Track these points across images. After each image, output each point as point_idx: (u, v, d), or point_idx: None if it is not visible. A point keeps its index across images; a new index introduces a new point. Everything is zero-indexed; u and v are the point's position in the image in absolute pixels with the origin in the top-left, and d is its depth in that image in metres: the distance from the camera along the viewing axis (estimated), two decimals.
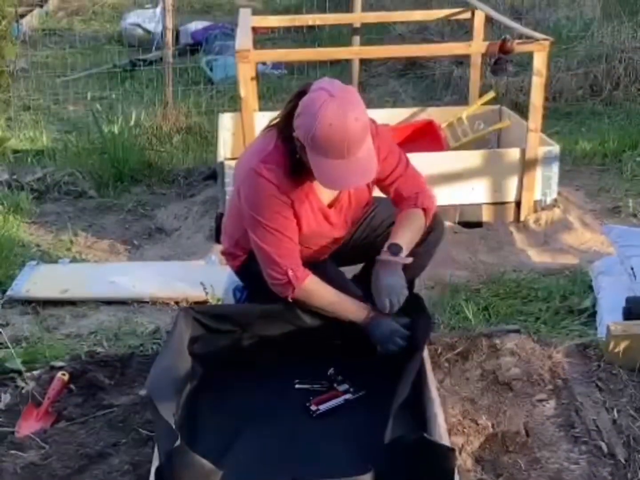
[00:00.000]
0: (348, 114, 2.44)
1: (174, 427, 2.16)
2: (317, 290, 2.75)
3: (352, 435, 2.46)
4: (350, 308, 2.77)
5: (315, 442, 2.45)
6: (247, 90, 3.97)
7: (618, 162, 5.35)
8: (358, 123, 2.47)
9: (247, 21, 4.65)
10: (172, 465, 2.02)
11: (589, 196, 4.87)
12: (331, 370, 2.77)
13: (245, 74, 3.94)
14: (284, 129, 2.63)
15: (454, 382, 2.88)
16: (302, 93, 2.58)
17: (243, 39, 4.15)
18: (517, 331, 3.21)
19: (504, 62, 4.26)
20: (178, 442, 2.01)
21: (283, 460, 2.36)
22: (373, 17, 6.17)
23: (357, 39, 5.59)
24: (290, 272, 2.68)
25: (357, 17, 5.72)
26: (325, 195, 2.79)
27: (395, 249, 2.74)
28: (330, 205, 2.82)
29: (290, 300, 2.74)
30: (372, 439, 2.30)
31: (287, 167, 2.64)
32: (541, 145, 4.34)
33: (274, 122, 2.74)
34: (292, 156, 2.62)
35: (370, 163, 2.57)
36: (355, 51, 5.47)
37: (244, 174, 2.71)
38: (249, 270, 2.90)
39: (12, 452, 2.54)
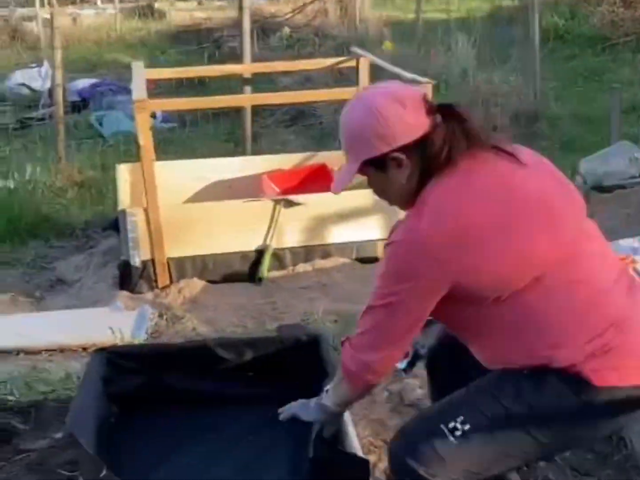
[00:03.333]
0: None
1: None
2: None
3: (276, 461, 2.50)
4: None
5: (238, 468, 2.50)
6: (147, 139, 4.04)
7: None
8: None
9: (141, 73, 4.73)
10: None
11: None
12: None
13: (143, 123, 4.02)
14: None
15: (363, 405, 2.96)
16: None
17: (139, 90, 4.22)
18: None
19: None
20: (104, 472, 2.04)
21: None
22: (261, 66, 6.59)
23: (248, 89, 5.84)
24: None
25: (248, 67, 6.12)
26: None
27: None
28: None
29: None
30: (296, 460, 2.39)
31: None
32: None
33: None
34: None
35: None
36: (248, 98, 5.76)
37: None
38: None
39: None
